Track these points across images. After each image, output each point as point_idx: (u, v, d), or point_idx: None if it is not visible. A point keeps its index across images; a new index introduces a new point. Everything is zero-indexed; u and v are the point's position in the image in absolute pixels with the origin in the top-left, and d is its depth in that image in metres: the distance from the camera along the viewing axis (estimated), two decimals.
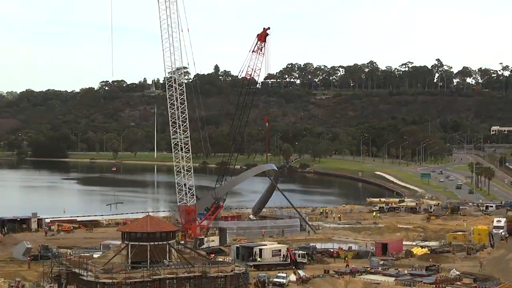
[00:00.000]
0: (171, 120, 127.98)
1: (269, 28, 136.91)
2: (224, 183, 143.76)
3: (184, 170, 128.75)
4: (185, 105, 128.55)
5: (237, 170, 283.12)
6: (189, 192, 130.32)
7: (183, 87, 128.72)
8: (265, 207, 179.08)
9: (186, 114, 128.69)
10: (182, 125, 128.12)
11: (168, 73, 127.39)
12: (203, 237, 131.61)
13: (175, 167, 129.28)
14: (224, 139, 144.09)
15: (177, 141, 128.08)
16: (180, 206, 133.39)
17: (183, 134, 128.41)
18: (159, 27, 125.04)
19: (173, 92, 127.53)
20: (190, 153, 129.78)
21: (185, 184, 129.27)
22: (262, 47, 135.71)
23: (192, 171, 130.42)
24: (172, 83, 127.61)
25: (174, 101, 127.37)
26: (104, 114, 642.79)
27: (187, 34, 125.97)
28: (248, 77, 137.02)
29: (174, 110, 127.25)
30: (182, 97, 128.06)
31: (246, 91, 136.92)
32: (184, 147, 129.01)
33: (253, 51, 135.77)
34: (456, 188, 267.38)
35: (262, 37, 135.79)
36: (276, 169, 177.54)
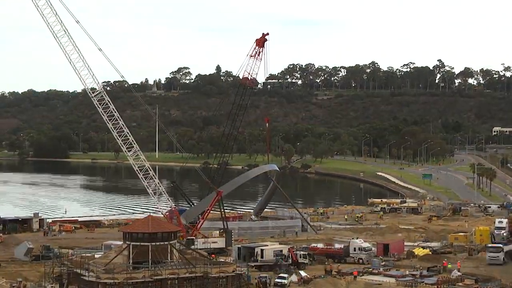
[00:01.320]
0: (108, 124, 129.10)
1: (267, 34, 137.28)
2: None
3: (138, 170, 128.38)
4: (110, 108, 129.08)
5: (239, 171, 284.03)
6: (159, 197, 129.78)
7: (102, 93, 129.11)
8: (266, 207, 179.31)
9: (115, 116, 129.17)
10: (115, 125, 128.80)
11: (88, 88, 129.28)
12: (193, 237, 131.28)
13: (135, 168, 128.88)
14: (224, 139, 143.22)
15: (120, 141, 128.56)
16: (164, 215, 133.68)
17: (120, 133, 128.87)
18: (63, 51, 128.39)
19: (94, 99, 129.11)
20: (140, 152, 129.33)
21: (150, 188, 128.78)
22: (259, 52, 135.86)
23: (151, 172, 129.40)
24: (91, 94, 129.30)
25: (97, 106, 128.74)
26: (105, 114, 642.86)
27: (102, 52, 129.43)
28: (246, 81, 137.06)
29: (102, 114, 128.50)
30: (102, 102, 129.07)
31: (241, 95, 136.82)
32: (125, 145, 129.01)
33: (251, 56, 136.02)
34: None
35: (260, 42, 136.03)
36: (278, 169, 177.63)
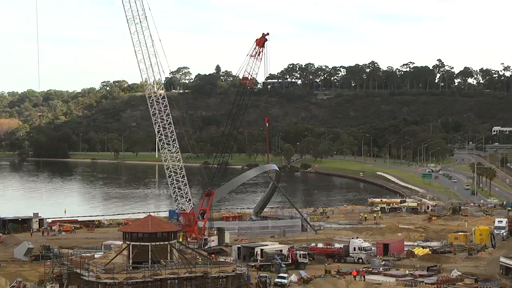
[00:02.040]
0: (153, 120, 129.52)
1: (268, 34, 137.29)
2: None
3: (173, 170, 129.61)
4: (166, 103, 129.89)
5: (239, 170, 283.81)
6: (185, 196, 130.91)
7: (161, 84, 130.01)
8: (266, 207, 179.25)
9: (168, 111, 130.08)
10: (167, 123, 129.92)
11: (145, 80, 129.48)
12: (207, 237, 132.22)
13: (166, 168, 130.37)
14: (224, 139, 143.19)
15: (163, 140, 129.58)
16: (178, 214, 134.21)
17: (169, 131, 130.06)
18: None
19: (150, 92, 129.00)
20: (179, 152, 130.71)
21: (179, 188, 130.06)
22: (260, 52, 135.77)
23: (184, 172, 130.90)
24: (149, 85, 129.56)
25: (153, 99, 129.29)
26: (105, 114, 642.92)
27: (159, 44, 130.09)
28: (246, 81, 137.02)
29: (155, 109, 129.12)
30: (162, 98, 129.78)
31: (241, 94, 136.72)
32: (171, 145, 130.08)
33: (251, 56, 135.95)
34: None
35: (261, 42, 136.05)
36: (277, 169, 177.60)
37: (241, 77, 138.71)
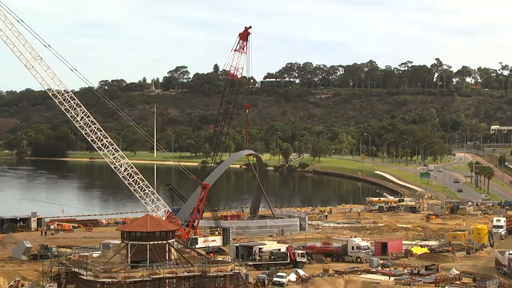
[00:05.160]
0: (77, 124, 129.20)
1: (250, 27, 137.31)
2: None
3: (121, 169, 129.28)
4: (81, 108, 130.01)
5: (237, 169, 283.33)
6: (153, 199, 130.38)
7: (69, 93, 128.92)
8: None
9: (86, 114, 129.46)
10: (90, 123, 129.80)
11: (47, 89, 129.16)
12: (197, 236, 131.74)
13: (114, 168, 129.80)
14: (215, 136, 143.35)
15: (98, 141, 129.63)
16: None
17: (96, 131, 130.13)
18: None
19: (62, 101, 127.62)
20: (120, 150, 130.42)
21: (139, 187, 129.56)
22: (244, 46, 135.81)
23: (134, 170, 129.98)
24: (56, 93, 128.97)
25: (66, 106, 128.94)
26: (103, 114, 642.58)
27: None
28: (231, 76, 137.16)
29: (72, 113, 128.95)
30: (74, 102, 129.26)
31: (230, 89, 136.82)
32: (104, 144, 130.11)
33: (235, 50, 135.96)
34: (458, 192, 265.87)
35: (244, 36, 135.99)
36: (255, 153, 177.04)
37: (227, 71, 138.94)
